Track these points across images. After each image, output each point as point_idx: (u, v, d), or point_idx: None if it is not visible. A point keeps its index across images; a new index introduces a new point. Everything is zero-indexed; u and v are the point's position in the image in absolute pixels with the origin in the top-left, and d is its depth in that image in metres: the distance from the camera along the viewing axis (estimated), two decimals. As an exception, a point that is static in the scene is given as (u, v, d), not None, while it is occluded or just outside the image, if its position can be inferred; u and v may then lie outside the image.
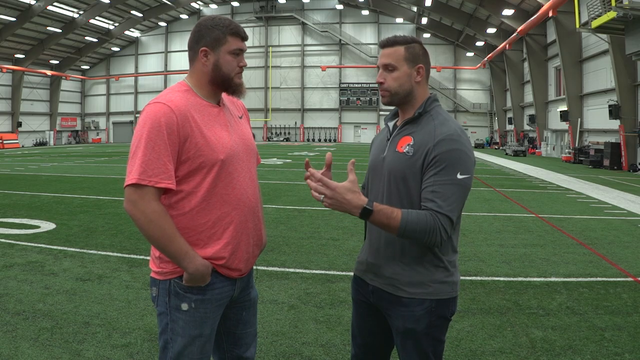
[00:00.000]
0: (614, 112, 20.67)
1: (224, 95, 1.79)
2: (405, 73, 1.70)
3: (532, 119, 33.41)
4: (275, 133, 51.52)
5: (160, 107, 1.59)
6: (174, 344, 1.67)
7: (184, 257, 1.60)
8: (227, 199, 1.68)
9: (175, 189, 1.62)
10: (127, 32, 49.06)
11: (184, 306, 1.66)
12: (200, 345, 1.68)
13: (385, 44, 1.73)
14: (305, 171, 1.65)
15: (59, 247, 5.78)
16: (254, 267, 1.97)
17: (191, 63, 1.73)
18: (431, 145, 1.59)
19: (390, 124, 1.80)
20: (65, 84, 49.25)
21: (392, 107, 1.83)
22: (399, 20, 46.49)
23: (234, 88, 1.74)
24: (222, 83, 1.71)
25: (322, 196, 1.54)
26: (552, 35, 29.18)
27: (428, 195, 1.57)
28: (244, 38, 1.74)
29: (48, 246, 5.83)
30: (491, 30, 35.43)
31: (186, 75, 1.77)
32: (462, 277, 4.74)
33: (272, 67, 50.84)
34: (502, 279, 4.79)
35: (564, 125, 27.68)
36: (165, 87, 49.40)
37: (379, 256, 1.74)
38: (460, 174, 1.57)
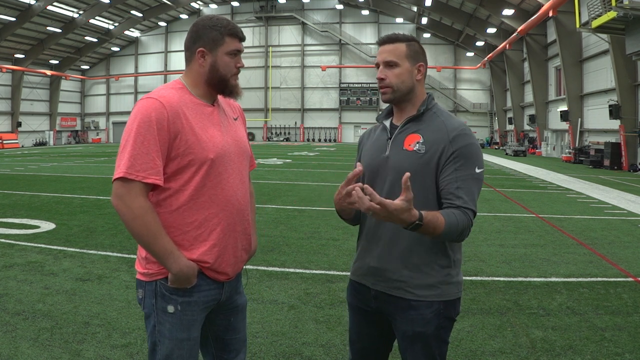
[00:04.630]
0: (614, 112, 20.66)
1: (220, 96, 1.76)
2: (407, 70, 1.69)
3: (532, 119, 33.40)
4: (275, 133, 51.51)
5: (152, 102, 1.58)
6: (162, 347, 1.65)
7: (168, 256, 1.58)
8: (216, 200, 1.65)
9: (163, 185, 1.60)
10: (127, 32, 49.03)
11: (170, 308, 1.64)
12: (188, 349, 1.66)
13: (385, 41, 1.72)
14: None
15: (59, 247, 5.77)
16: (245, 271, 1.94)
17: (187, 63, 1.72)
18: (447, 141, 1.60)
19: (387, 123, 1.77)
20: (65, 84, 49.23)
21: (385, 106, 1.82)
22: (399, 20, 46.48)
23: (230, 89, 1.72)
24: (218, 84, 1.70)
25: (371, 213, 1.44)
26: (552, 35, 29.17)
27: (454, 192, 1.58)
28: (242, 39, 1.72)
29: (48, 246, 5.82)
30: (491, 30, 35.42)
31: (182, 74, 1.76)
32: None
33: (272, 67, 50.82)
34: (502, 279, 4.79)
35: (564, 125, 27.67)
36: (165, 87, 49.49)
37: (383, 259, 1.69)
38: (478, 168, 1.60)
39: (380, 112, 1.86)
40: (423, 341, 1.65)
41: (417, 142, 1.64)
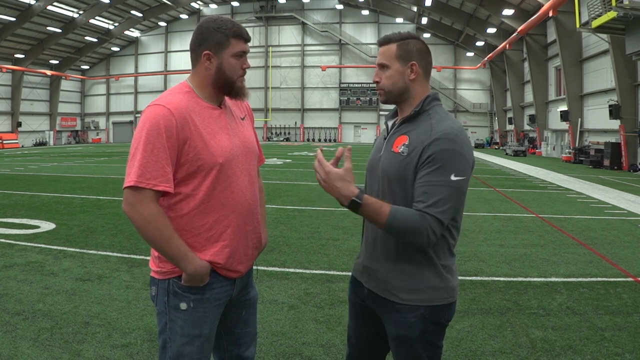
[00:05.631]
0: (614, 112, 20.67)
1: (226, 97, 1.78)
2: (397, 71, 1.66)
3: (532, 119, 33.42)
4: (275, 133, 51.51)
5: (160, 109, 1.59)
6: (173, 344, 1.68)
7: (182, 258, 1.61)
8: (226, 202, 1.68)
9: (173, 192, 1.62)
10: (127, 32, 49.03)
11: (183, 306, 1.67)
12: (199, 345, 1.69)
13: (381, 43, 1.71)
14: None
15: (59, 247, 5.77)
16: (255, 268, 1.97)
17: (193, 65, 1.72)
18: (427, 143, 1.54)
19: (390, 123, 1.77)
20: (65, 84, 49.23)
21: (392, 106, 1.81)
22: (399, 20, 46.48)
23: (237, 91, 1.73)
24: (224, 86, 1.70)
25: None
26: (552, 35, 29.18)
27: (419, 196, 1.52)
28: (247, 40, 1.72)
29: (48, 246, 5.82)
30: (491, 30, 35.43)
31: (188, 75, 1.76)
32: (462, 277, 4.74)
33: (272, 67, 50.83)
34: (502, 279, 4.79)
35: (564, 125, 27.68)
36: (165, 87, 49.55)
37: (374, 259, 1.71)
38: (455, 176, 1.50)
39: (387, 113, 1.87)
40: (408, 344, 1.64)
41: (403, 144, 1.61)
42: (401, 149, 1.61)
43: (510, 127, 40.46)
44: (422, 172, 1.53)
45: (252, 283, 1.91)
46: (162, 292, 1.70)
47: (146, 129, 1.57)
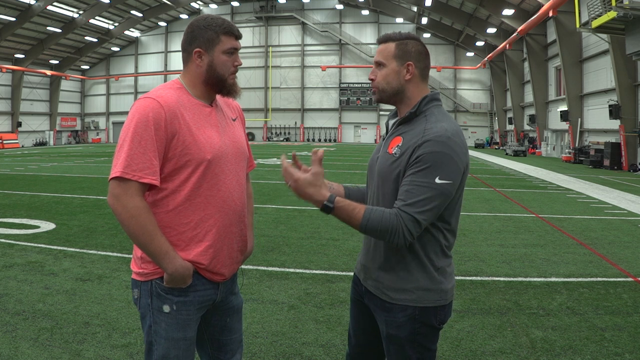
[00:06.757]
0: (614, 112, 20.68)
1: (218, 96, 1.76)
2: (393, 70, 1.66)
3: (532, 119, 33.42)
4: (275, 133, 51.51)
5: (150, 102, 1.58)
6: (158, 347, 1.66)
7: (164, 256, 1.58)
8: (212, 201, 1.65)
9: (159, 186, 1.60)
10: (127, 32, 49.04)
11: (166, 308, 1.64)
12: (185, 349, 1.67)
13: (380, 41, 1.71)
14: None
15: (59, 247, 5.77)
16: (241, 271, 1.94)
17: (185, 63, 1.71)
18: (417, 144, 1.53)
19: (390, 123, 1.77)
20: (65, 84, 49.23)
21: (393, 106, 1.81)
22: (399, 20, 46.50)
23: (228, 89, 1.71)
24: (216, 84, 1.69)
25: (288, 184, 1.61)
26: (552, 35, 29.19)
27: (402, 194, 1.52)
28: (238, 36, 1.71)
29: (48, 246, 5.82)
30: (491, 30, 35.44)
31: (180, 74, 1.75)
32: (462, 277, 4.74)
33: (272, 67, 50.82)
34: (502, 279, 4.79)
35: (564, 125, 27.68)
36: (165, 87, 49.44)
37: (369, 257, 1.72)
38: (440, 179, 1.49)
39: (388, 113, 1.87)
40: (397, 344, 1.64)
41: (397, 146, 1.61)
42: (395, 150, 1.61)
43: (510, 127, 40.47)
44: (409, 172, 1.53)
45: (237, 290, 1.87)
46: (145, 294, 1.66)
47: (135, 121, 1.55)
